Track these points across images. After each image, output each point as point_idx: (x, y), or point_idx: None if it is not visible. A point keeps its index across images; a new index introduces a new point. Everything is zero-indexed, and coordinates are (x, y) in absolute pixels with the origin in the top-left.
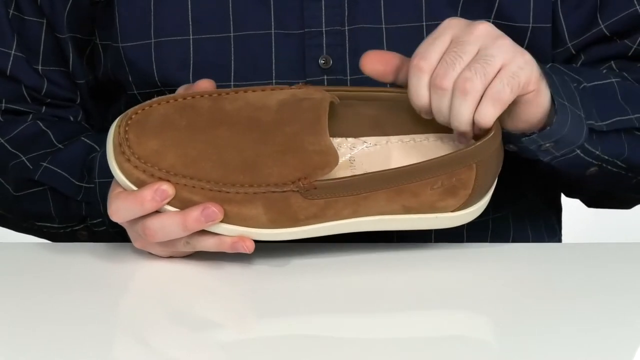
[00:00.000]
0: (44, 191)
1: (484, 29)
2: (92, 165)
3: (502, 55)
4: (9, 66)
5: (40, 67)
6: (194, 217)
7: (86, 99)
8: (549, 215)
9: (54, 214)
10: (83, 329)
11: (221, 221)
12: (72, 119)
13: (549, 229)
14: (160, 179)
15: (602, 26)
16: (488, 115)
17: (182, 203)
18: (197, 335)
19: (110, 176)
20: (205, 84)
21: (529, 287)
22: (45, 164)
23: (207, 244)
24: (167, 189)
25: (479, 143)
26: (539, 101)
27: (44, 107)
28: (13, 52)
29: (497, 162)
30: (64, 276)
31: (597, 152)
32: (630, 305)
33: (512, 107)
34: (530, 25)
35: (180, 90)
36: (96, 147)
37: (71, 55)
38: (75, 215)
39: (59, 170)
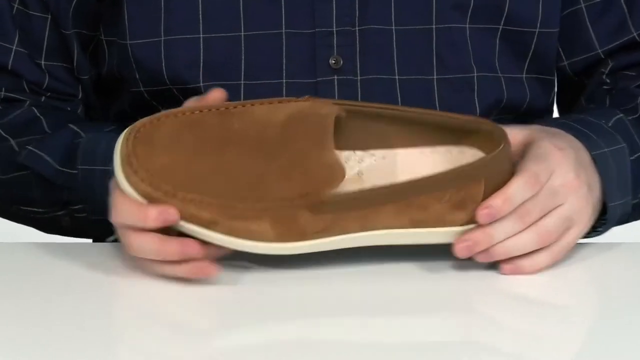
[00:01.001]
0: (29, 175)
1: (574, 189)
2: (75, 151)
3: (576, 219)
4: (10, 61)
5: (43, 62)
6: (172, 249)
7: (89, 94)
8: None
9: (37, 198)
10: (83, 329)
11: (228, 234)
12: (70, 110)
13: None
14: (168, 193)
15: (635, 34)
16: (539, 267)
17: (190, 219)
18: (198, 340)
19: (92, 163)
20: (216, 95)
21: (529, 286)
22: (30, 147)
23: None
24: (174, 214)
25: (488, 157)
26: (588, 223)
27: (43, 97)
28: (15, 47)
29: (506, 177)
30: (64, 276)
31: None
32: (631, 306)
33: None
34: (537, 30)
35: (191, 102)
36: (81, 133)
37: (76, 50)
38: (58, 200)
39: (42, 154)
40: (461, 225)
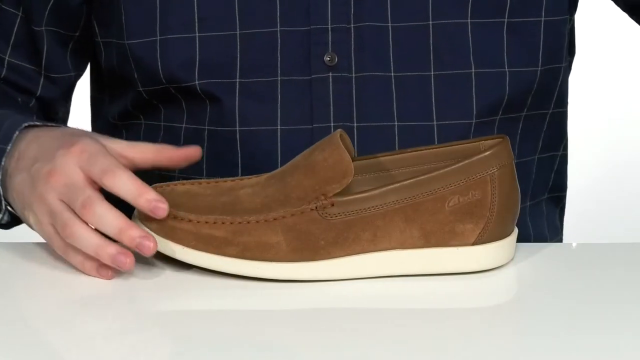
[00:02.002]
0: None
1: None
2: None
3: None
4: None
5: (7, 57)
6: (108, 253)
7: (66, 92)
8: (554, 214)
9: None
10: (82, 329)
11: (241, 256)
12: (19, 100)
13: (551, 227)
14: (183, 218)
15: None
16: None
17: (203, 240)
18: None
19: (4, 143)
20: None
21: (529, 287)
22: None
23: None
24: (151, 245)
25: (490, 152)
26: None
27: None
28: None
29: (511, 182)
30: (64, 275)
31: None
32: (631, 306)
33: None
34: (543, 19)
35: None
36: (9, 113)
37: (46, 48)
38: None
39: None
40: (474, 242)
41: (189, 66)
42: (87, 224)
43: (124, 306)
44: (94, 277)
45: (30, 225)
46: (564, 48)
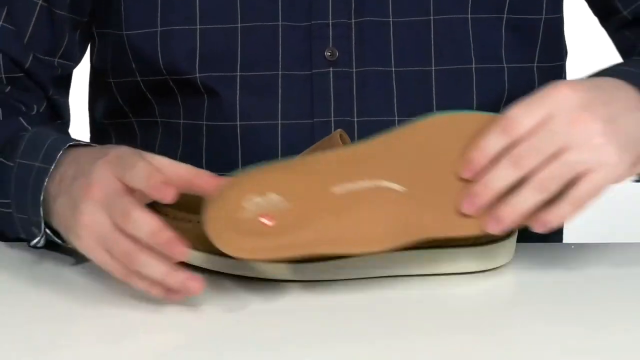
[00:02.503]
0: None
1: (584, 125)
2: (17, 142)
3: (592, 161)
4: None
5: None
6: (177, 280)
7: (66, 87)
8: None
9: None
10: (82, 329)
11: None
12: (35, 108)
13: None
14: (177, 217)
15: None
16: (564, 216)
17: (203, 240)
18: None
19: (33, 159)
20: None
21: (529, 287)
22: None
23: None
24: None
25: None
26: (630, 175)
27: (9, 87)
28: (1, 22)
29: None
30: (63, 276)
31: None
32: (631, 305)
33: None
34: (544, 16)
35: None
36: (28, 127)
37: (68, 35)
38: None
39: None
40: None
41: (190, 58)
42: (150, 249)
43: (124, 306)
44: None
45: (79, 249)
46: (562, 46)
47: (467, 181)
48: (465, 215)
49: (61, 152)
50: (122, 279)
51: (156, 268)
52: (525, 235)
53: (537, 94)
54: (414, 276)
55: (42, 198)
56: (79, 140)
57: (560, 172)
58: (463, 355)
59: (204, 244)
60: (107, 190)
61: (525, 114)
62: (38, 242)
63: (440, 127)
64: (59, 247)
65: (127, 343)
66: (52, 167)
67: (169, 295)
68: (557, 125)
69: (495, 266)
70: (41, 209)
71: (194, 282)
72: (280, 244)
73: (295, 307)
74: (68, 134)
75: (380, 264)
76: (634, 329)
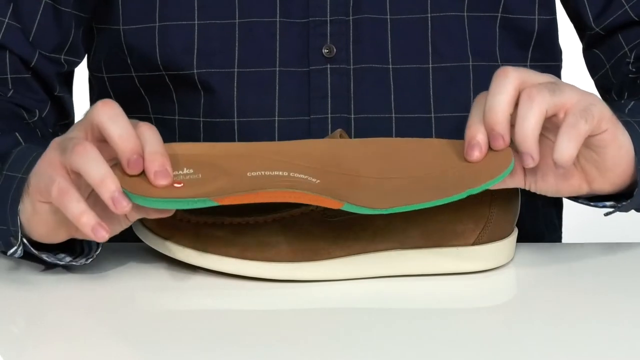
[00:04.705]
0: None
1: (580, 91)
2: (8, 157)
3: (571, 93)
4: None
5: (37, 51)
6: (110, 189)
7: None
8: (550, 211)
9: None
10: (82, 329)
11: (241, 256)
12: (37, 113)
13: (549, 224)
14: (182, 218)
15: (627, 7)
16: (567, 151)
17: (203, 240)
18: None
19: (17, 171)
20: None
21: (529, 287)
22: None
23: (73, 206)
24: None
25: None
26: (618, 142)
27: (12, 90)
28: (7, 20)
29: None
30: (64, 275)
31: None
32: (631, 305)
33: (593, 156)
34: (537, 17)
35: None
36: (22, 143)
37: (73, 31)
38: None
39: None
40: (474, 242)
41: (188, 54)
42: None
43: (124, 306)
44: (87, 237)
45: (28, 215)
46: (557, 47)
47: (385, 180)
48: (383, 194)
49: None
50: (59, 196)
51: (97, 168)
52: (525, 235)
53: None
54: (414, 276)
55: (19, 208)
56: None
57: (553, 88)
58: (463, 356)
59: (203, 244)
60: (65, 136)
61: (530, 75)
62: (15, 251)
63: (355, 143)
64: (34, 258)
65: (126, 342)
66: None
67: (97, 229)
68: (560, 85)
69: (495, 266)
70: (18, 218)
71: (122, 196)
72: (184, 195)
73: (295, 307)
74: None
75: (381, 263)
76: (634, 329)
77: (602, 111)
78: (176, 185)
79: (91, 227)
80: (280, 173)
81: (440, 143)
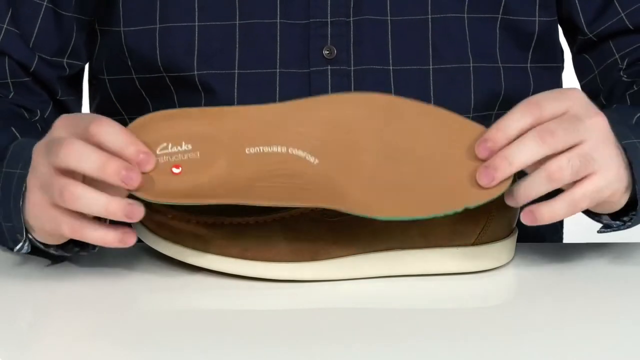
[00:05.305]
0: None
1: (600, 125)
2: (5, 153)
3: (600, 163)
4: None
5: (38, 52)
6: (120, 204)
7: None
8: None
9: None
10: (82, 329)
11: (241, 256)
12: (38, 112)
13: (550, 225)
14: (182, 218)
15: (623, 15)
16: (557, 214)
17: (203, 240)
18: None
19: (15, 167)
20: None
21: (529, 287)
22: None
23: (93, 235)
24: (134, 177)
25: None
26: (615, 203)
27: (12, 92)
28: (5, 25)
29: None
30: (64, 275)
31: None
32: (631, 305)
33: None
34: (537, 19)
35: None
36: (19, 137)
37: (75, 35)
38: None
39: None
40: (474, 242)
41: (188, 55)
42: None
43: (124, 306)
44: (117, 246)
45: (38, 238)
46: (557, 49)
47: (386, 159)
48: (379, 194)
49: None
50: (74, 234)
51: (96, 198)
52: (525, 235)
53: (553, 90)
54: (414, 276)
55: (21, 203)
56: None
57: (573, 166)
58: (463, 356)
59: (203, 244)
60: (48, 140)
61: (550, 99)
62: (22, 247)
63: (359, 103)
64: (42, 252)
65: (126, 342)
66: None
67: (125, 239)
68: (580, 114)
69: (495, 266)
70: (22, 215)
71: (134, 207)
72: (180, 189)
73: (295, 307)
74: None
75: (381, 263)
76: (634, 329)
77: (616, 190)
78: (174, 170)
79: (118, 241)
80: (278, 149)
81: (449, 122)
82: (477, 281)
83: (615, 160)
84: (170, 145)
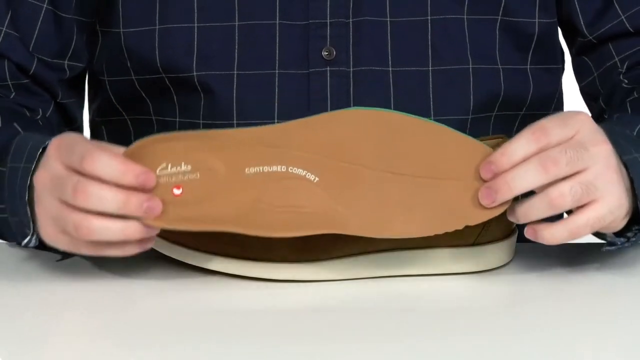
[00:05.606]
0: None
1: (604, 153)
2: (9, 148)
3: (602, 191)
4: None
5: (38, 55)
6: (137, 200)
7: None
8: None
9: None
10: (82, 329)
11: (241, 256)
12: (40, 111)
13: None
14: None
15: (623, 17)
16: (557, 239)
17: (203, 240)
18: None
19: (19, 161)
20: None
21: (529, 287)
22: None
23: (115, 252)
24: (152, 178)
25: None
26: (615, 228)
27: (13, 93)
28: (5, 28)
29: None
30: (64, 274)
31: None
32: (631, 305)
33: None
34: (537, 20)
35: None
36: (21, 132)
37: (75, 37)
38: None
39: None
40: (471, 240)
41: (188, 56)
42: (100, 180)
43: (124, 306)
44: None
45: (48, 242)
46: (557, 51)
47: (387, 176)
48: (380, 214)
49: (40, 150)
50: (93, 253)
51: (112, 200)
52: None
53: (560, 113)
54: (413, 276)
55: (27, 197)
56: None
57: (575, 193)
58: (463, 356)
59: (203, 244)
60: (52, 175)
61: (557, 125)
62: (29, 241)
63: (358, 120)
64: (50, 247)
65: (126, 342)
66: (33, 166)
67: (143, 245)
68: (585, 141)
69: (495, 266)
70: (28, 208)
71: (152, 202)
72: (185, 215)
73: (295, 307)
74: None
75: (380, 264)
76: (634, 329)
77: (617, 218)
78: (175, 191)
79: (139, 249)
80: (278, 168)
81: (449, 138)
82: (477, 281)
83: (617, 187)
84: (169, 166)
